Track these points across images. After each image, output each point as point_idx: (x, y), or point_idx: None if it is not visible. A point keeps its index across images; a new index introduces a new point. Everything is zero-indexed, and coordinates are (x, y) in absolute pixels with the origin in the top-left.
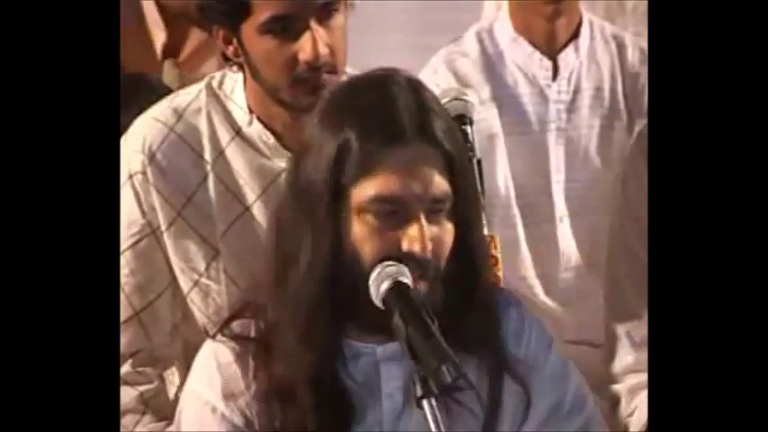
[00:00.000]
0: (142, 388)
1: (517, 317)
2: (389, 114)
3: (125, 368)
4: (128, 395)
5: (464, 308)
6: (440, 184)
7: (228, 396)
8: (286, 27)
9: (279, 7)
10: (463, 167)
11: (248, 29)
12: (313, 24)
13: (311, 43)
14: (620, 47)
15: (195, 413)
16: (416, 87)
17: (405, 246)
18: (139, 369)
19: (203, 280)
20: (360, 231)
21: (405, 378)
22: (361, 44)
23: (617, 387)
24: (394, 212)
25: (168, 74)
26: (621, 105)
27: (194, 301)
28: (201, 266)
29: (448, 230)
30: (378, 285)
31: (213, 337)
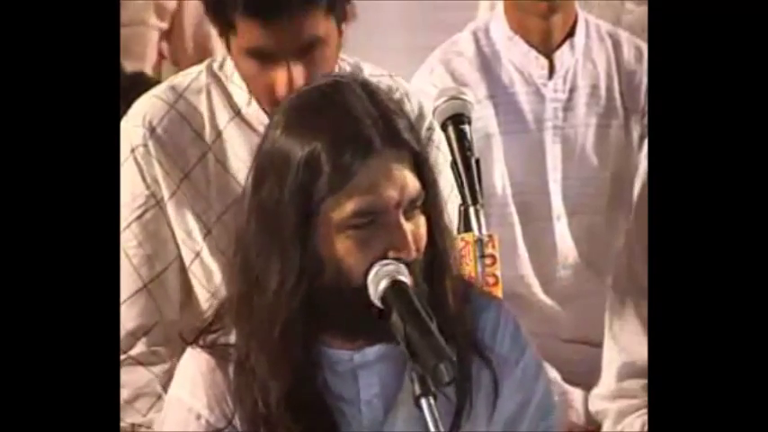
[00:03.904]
0: (156, 369)
1: (494, 315)
2: (354, 128)
3: (139, 348)
4: (143, 377)
5: (437, 295)
6: (413, 184)
7: (213, 402)
8: (265, 57)
9: (257, 40)
10: (428, 161)
11: (235, 45)
12: (291, 61)
13: (286, 80)
14: (616, 45)
15: (179, 420)
16: (371, 91)
17: (391, 255)
18: (153, 348)
19: (203, 253)
20: (343, 248)
21: (382, 384)
22: (360, 44)
23: (606, 404)
24: (373, 221)
25: (167, 73)
26: (618, 103)
27: (195, 275)
28: (200, 240)
29: (422, 223)
30: (376, 284)
31: (191, 345)
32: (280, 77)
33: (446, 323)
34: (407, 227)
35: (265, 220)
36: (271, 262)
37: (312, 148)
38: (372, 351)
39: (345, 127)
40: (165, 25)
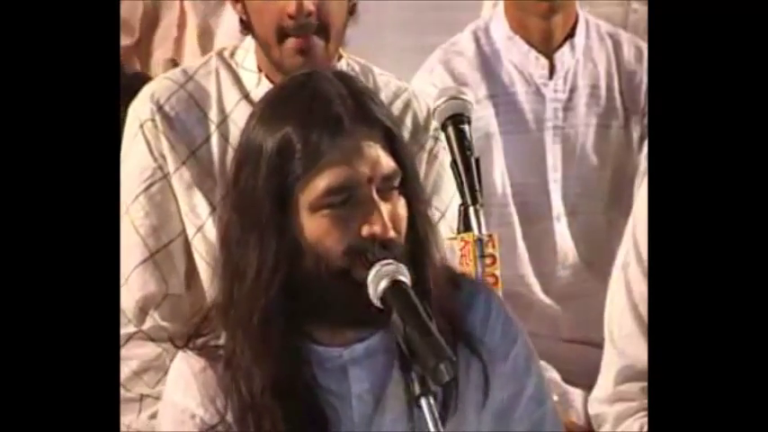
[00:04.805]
0: (166, 345)
1: (485, 305)
2: (325, 108)
3: (149, 323)
4: (153, 351)
5: (419, 282)
6: (386, 161)
7: (206, 401)
8: None
9: None
10: (403, 143)
11: None
12: None
13: None
14: (616, 45)
15: (174, 422)
16: (344, 77)
17: (365, 231)
18: (163, 324)
19: (206, 227)
20: (317, 229)
21: (372, 379)
22: (361, 44)
23: (604, 408)
24: (347, 200)
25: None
26: (618, 103)
27: (198, 249)
28: (204, 215)
29: (402, 205)
30: (376, 284)
31: (182, 348)
32: None
33: (429, 311)
34: (383, 205)
35: (244, 210)
36: (249, 249)
37: (284, 132)
38: (361, 347)
39: (315, 108)
40: (130, 41)
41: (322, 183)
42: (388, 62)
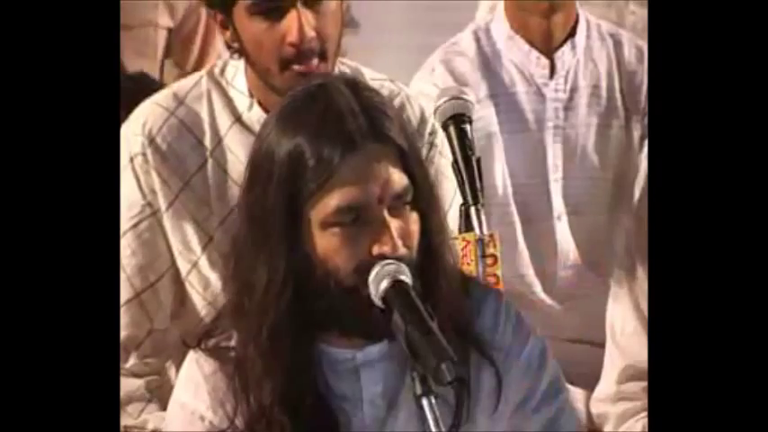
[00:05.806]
0: (149, 378)
1: (494, 306)
2: (337, 124)
3: (132, 360)
4: (134, 384)
5: (430, 292)
6: (399, 179)
7: (215, 404)
8: (273, 8)
9: None
10: (417, 158)
11: (239, 11)
12: (299, 6)
13: (296, 25)
14: (617, 44)
15: (183, 423)
16: (357, 89)
17: (375, 250)
18: (146, 360)
19: (201, 263)
20: (327, 245)
21: (385, 382)
22: (360, 44)
23: (607, 407)
24: (357, 219)
25: (168, 74)
26: (619, 103)
27: (193, 285)
28: (198, 250)
29: (413, 220)
30: (377, 284)
31: (193, 348)
32: (291, 24)
33: (441, 321)
34: (393, 222)
35: (254, 222)
36: (258, 263)
37: (295, 144)
38: (375, 349)
39: (328, 122)
40: (172, 24)
41: (332, 202)
42: (388, 62)
